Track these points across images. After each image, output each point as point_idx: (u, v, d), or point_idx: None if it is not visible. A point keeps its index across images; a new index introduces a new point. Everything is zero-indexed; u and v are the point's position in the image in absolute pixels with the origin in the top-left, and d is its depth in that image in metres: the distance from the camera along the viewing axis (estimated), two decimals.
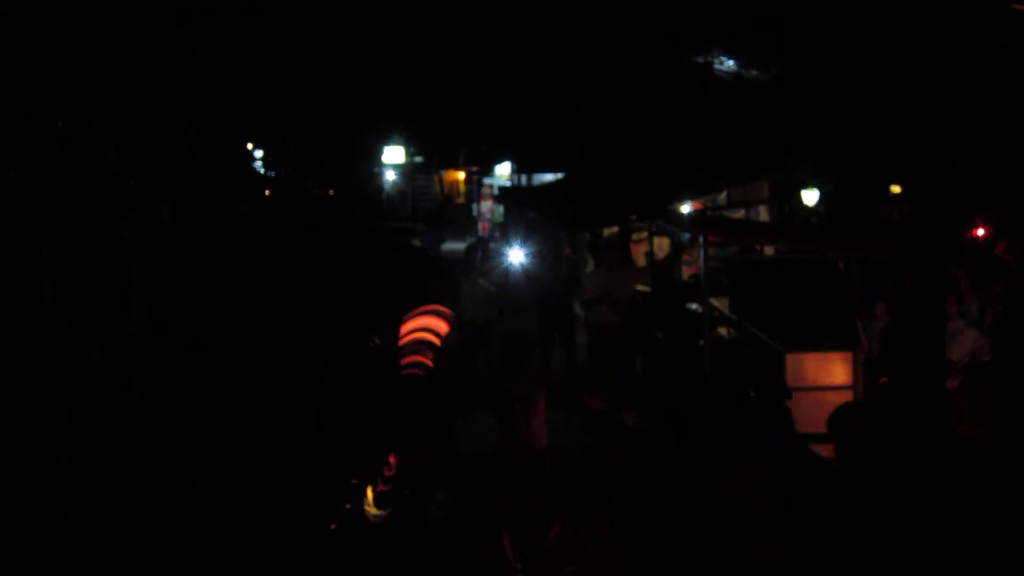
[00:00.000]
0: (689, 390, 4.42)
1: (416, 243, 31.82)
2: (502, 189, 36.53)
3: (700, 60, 18.10)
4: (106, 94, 14.12)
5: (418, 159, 53.05)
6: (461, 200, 51.06)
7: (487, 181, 42.33)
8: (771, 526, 4.66)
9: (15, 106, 13.69)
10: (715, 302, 12.65)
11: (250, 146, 34.99)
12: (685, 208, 17.76)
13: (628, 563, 4.76)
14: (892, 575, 4.39)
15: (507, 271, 15.86)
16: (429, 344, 8.49)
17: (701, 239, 11.29)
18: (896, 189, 14.93)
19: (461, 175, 50.82)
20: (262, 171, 35.42)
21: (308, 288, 22.33)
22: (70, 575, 8.80)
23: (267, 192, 34.12)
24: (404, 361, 8.48)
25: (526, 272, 15.86)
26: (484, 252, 16.52)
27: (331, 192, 38.49)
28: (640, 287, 14.41)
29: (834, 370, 10.04)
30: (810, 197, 16.82)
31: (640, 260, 17.56)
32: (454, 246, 30.03)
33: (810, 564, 4.63)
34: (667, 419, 4.34)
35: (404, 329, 8.67)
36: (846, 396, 9.08)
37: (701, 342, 10.90)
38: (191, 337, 16.42)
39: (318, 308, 20.53)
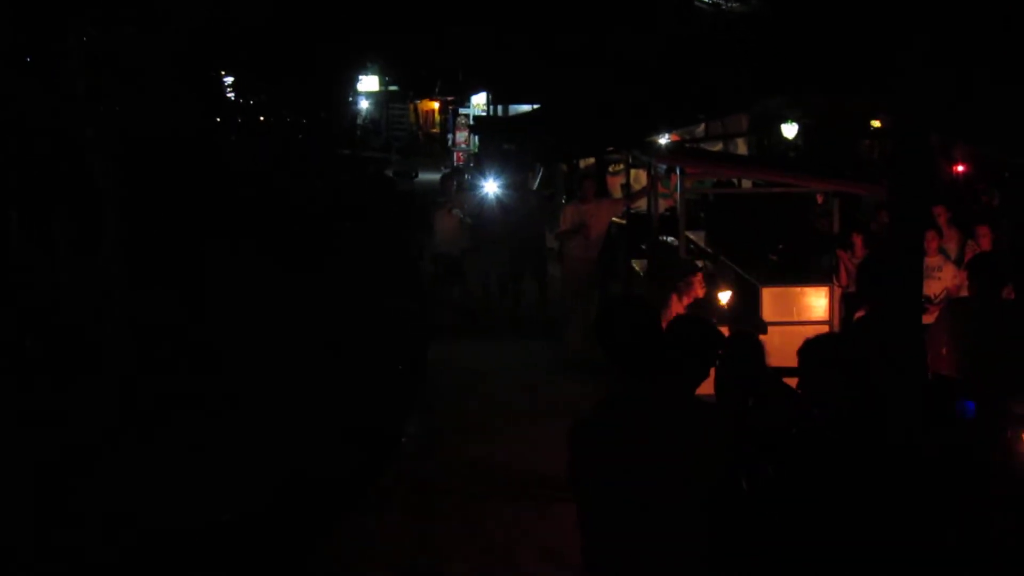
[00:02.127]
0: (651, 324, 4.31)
1: (389, 173, 31.59)
2: (477, 119, 36.26)
3: None
4: (78, 20, 13.86)
5: (393, 88, 52.61)
6: (436, 130, 50.81)
7: (463, 111, 42.07)
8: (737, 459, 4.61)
9: None
10: (691, 235, 12.58)
11: (222, 73, 34.52)
12: (663, 140, 17.65)
13: None
14: (856, 511, 4.37)
15: (482, 202, 15.77)
16: None
17: (678, 171, 11.19)
18: (876, 123, 14.85)
19: (436, 105, 50.51)
20: (234, 99, 34.98)
21: (281, 218, 22.15)
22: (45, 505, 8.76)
23: (239, 120, 33.71)
24: None
25: (501, 203, 15.77)
26: (459, 183, 16.40)
27: (304, 120, 38.10)
28: (615, 219, 14.33)
29: (811, 304, 10.01)
30: (789, 131, 16.73)
31: (616, 192, 17.47)
32: (429, 176, 29.85)
33: (773, 498, 4.60)
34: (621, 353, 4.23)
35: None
36: (822, 330, 9.05)
37: None
38: (163, 269, 16.28)
39: (291, 239, 20.39)
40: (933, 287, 9.94)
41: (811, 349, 5.05)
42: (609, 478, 4.05)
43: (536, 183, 19.60)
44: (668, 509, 4.01)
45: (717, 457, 4.14)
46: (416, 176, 26.66)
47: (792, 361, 6.32)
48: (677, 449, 4.02)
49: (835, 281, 10.18)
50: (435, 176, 29.29)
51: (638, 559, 4.03)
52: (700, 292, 8.86)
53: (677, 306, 8.66)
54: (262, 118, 35.24)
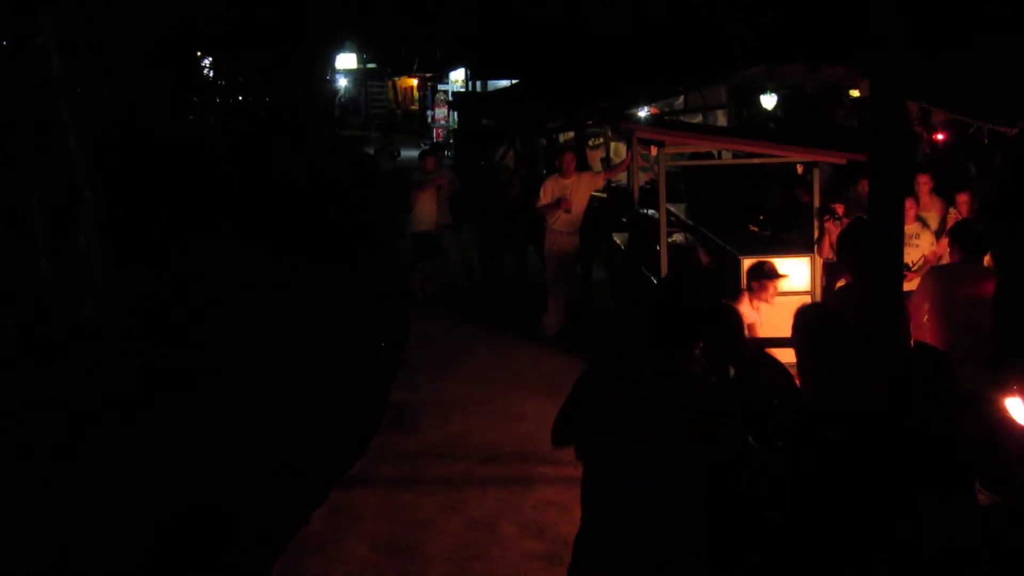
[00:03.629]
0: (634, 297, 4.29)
1: (369, 151, 31.46)
2: (456, 95, 36.15)
3: None
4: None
5: (371, 66, 52.45)
6: (415, 107, 50.66)
7: (441, 87, 41.95)
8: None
9: None
10: (671, 207, 12.56)
11: (199, 53, 34.30)
12: (642, 113, 17.62)
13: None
14: (843, 483, 4.35)
15: (461, 178, 15.70)
16: None
17: (658, 144, 11.15)
18: (855, 93, 14.84)
19: (415, 82, 50.35)
20: (211, 78, 34.78)
21: (259, 197, 22.09)
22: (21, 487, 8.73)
23: (217, 100, 33.53)
24: None
25: (479, 179, 15.72)
26: (439, 159, 16.31)
27: (283, 100, 37.93)
28: (596, 193, 14.29)
29: (792, 274, 9.99)
30: (768, 101, 16.72)
31: (596, 166, 17.43)
32: (409, 153, 29.74)
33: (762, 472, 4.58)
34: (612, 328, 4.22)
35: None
36: (804, 300, 9.03)
37: (658, 247, 10.80)
38: (141, 248, 16.22)
39: (270, 218, 20.34)
40: (911, 254, 9.95)
41: (801, 320, 5.03)
42: (610, 443, 3.98)
43: (498, 156, 19.51)
44: (668, 483, 3.94)
45: (720, 433, 4.08)
46: (398, 155, 26.47)
47: (773, 332, 6.32)
48: (681, 422, 3.96)
49: (817, 251, 10.17)
50: (415, 153, 29.19)
51: (635, 533, 3.97)
52: (772, 299, 8.49)
53: (746, 305, 8.38)
54: (240, 97, 35.07)
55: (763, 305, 8.47)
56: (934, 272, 7.62)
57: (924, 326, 7.04)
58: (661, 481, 3.93)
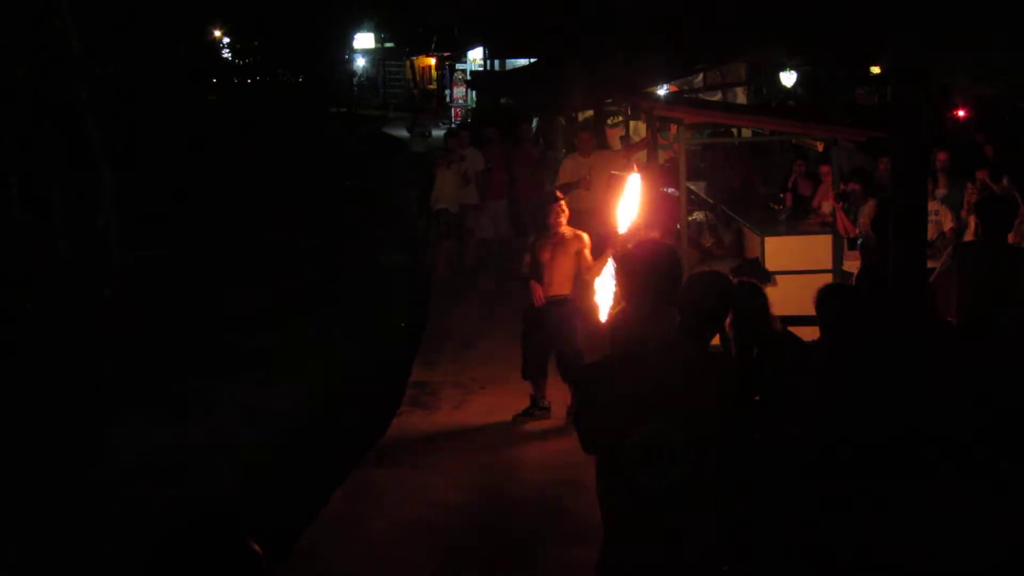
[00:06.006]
0: None
1: (403, 133, 31.32)
2: (474, 74, 36.08)
3: None
4: None
5: (389, 45, 52.44)
6: (433, 86, 50.61)
7: (459, 67, 41.90)
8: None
9: None
10: (692, 186, 12.52)
11: (218, 34, 34.37)
12: (661, 91, 17.55)
13: None
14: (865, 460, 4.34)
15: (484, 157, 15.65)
16: None
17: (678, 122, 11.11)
18: (875, 69, 14.74)
19: (433, 61, 50.30)
20: (231, 59, 34.81)
21: (279, 178, 22.09)
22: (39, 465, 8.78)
23: (236, 80, 33.55)
24: None
25: (502, 158, 15.66)
26: (459, 139, 16.26)
27: (301, 79, 37.91)
28: (615, 171, 14.25)
29: (813, 253, 9.95)
30: (788, 79, 16.63)
31: (616, 144, 17.38)
32: (437, 133, 29.61)
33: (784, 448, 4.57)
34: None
35: None
36: (826, 279, 9.00)
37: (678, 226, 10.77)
38: (160, 229, 16.25)
39: (290, 198, 20.35)
40: (929, 231, 9.89)
41: (823, 297, 5.02)
42: (621, 424, 3.92)
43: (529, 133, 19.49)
44: (680, 458, 3.89)
45: (728, 407, 4.03)
46: (430, 135, 26.29)
47: (795, 310, 6.28)
48: (690, 398, 3.91)
49: (845, 230, 10.09)
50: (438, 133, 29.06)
51: (650, 509, 3.92)
52: (557, 226, 9.18)
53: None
54: (258, 77, 35.10)
55: (782, 282, 8.45)
56: (959, 249, 7.54)
57: (949, 303, 6.99)
58: (682, 465, 3.88)
